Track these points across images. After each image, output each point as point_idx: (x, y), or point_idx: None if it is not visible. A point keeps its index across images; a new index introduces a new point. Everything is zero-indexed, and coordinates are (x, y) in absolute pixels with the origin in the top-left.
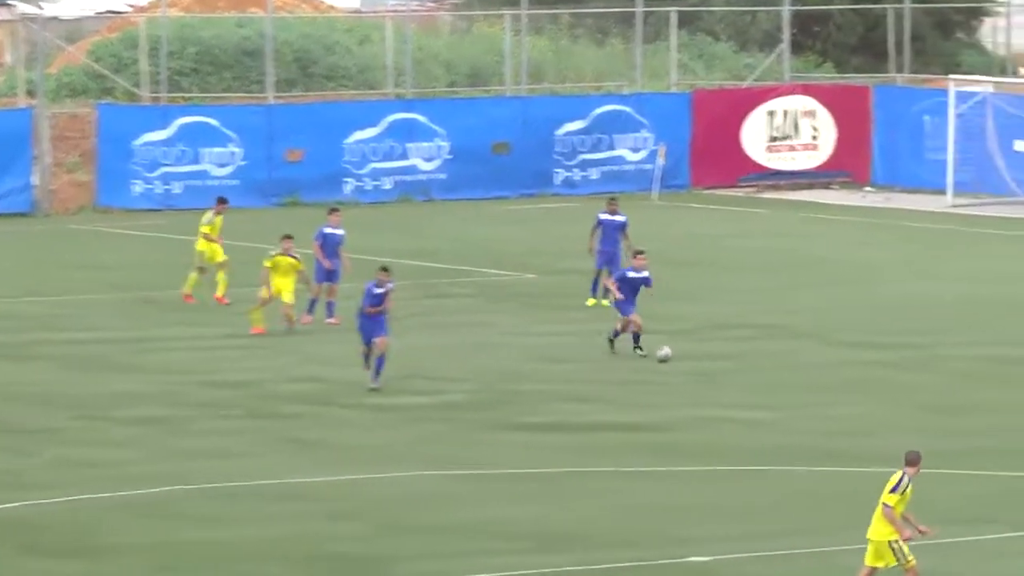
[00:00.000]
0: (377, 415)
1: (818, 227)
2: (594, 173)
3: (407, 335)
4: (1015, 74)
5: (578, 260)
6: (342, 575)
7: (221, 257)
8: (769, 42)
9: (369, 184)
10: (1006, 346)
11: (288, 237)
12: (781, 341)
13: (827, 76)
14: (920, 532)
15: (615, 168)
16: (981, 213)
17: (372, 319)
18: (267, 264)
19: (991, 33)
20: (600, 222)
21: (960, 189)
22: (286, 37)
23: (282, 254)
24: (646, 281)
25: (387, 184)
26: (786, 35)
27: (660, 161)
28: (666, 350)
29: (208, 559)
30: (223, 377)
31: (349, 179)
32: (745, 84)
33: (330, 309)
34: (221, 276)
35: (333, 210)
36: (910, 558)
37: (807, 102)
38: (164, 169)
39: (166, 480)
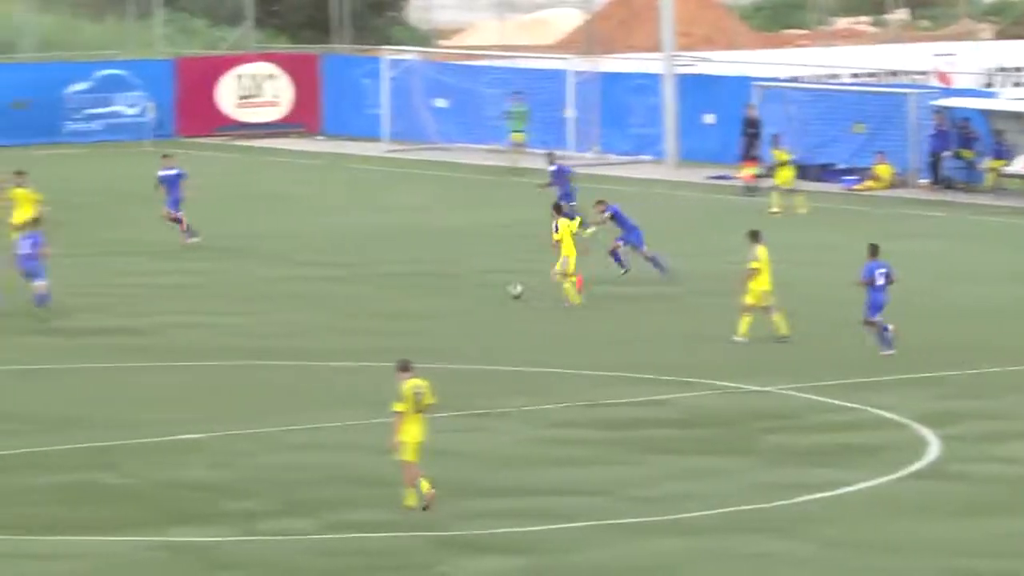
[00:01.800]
0: None
1: (280, 169)
2: (97, 125)
3: None
4: (436, 46)
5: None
6: None
7: None
8: (237, 18)
9: None
10: (419, 263)
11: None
12: (241, 260)
13: (285, 47)
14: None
15: (114, 121)
16: (410, 157)
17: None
18: None
19: (417, 12)
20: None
21: (394, 137)
22: None
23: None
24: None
25: None
26: (251, 12)
27: (151, 114)
28: (519, 288)
29: None
30: None
31: None
32: (218, 53)
33: None
34: None
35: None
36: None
37: (269, 68)
38: None
39: None
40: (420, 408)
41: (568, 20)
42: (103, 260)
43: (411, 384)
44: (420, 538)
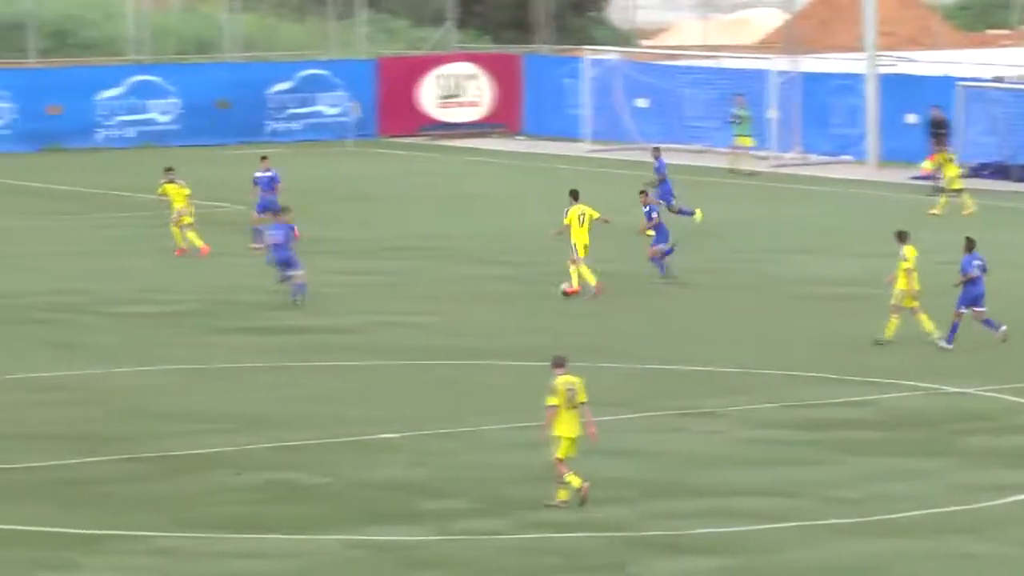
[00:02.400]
0: (121, 322)
1: (480, 169)
2: (298, 125)
3: (141, 257)
4: (638, 45)
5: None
6: (99, 451)
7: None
8: (439, 19)
9: (117, 134)
10: (614, 263)
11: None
12: (438, 261)
13: (487, 47)
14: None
15: (316, 121)
16: (611, 156)
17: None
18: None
19: (618, 12)
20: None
21: (595, 137)
22: (47, 15)
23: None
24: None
25: (131, 133)
26: (452, 13)
27: (355, 114)
28: (564, 285)
29: None
30: None
31: (100, 129)
32: (420, 53)
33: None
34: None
35: (264, 157)
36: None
37: (471, 68)
38: None
39: None
40: (573, 405)
41: (769, 20)
42: (306, 259)
43: (564, 380)
44: (616, 538)
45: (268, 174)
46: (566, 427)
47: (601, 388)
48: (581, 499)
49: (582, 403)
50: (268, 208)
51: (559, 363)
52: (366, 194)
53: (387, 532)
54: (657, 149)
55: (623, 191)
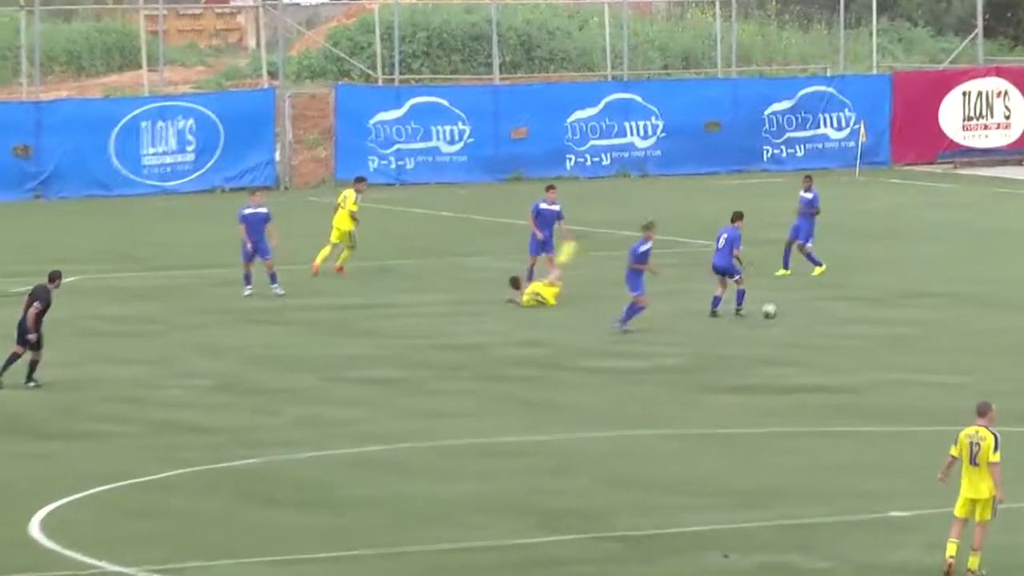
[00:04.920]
0: (597, 377)
1: (1009, 201)
2: (800, 150)
3: (622, 302)
4: None
5: (781, 231)
6: (561, 528)
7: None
8: (963, 27)
9: (589, 160)
10: None
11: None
12: (970, 308)
13: (1019, 59)
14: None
15: (819, 146)
16: None
17: (634, 273)
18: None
19: None
20: (801, 199)
21: None
22: (510, 23)
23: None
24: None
25: (606, 160)
26: (980, 20)
27: (862, 139)
28: (770, 306)
29: (438, 513)
30: (454, 341)
31: (570, 155)
32: (942, 67)
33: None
34: (348, 249)
35: (550, 187)
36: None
37: (1000, 83)
38: (398, 146)
39: (398, 438)
40: (977, 461)
41: None
42: (803, 306)
43: (970, 431)
44: None
45: (261, 211)
46: (968, 485)
47: None
48: (946, 570)
49: (991, 463)
50: (255, 253)
51: (979, 411)
52: (874, 231)
53: None
54: (809, 178)
55: None
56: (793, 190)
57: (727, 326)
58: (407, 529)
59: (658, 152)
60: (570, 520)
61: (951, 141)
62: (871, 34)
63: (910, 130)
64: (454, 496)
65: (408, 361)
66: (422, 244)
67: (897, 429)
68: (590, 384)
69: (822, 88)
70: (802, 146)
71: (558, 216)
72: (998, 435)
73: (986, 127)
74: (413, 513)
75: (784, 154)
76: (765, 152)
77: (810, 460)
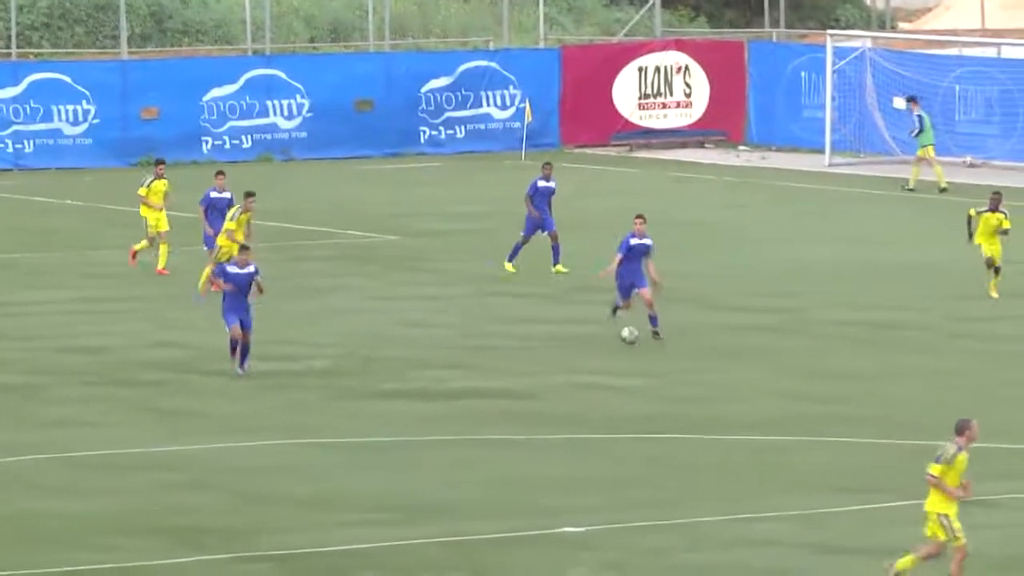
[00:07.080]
0: (239, 383)
1: (692, 187)
2: (460, 131)
3: (270, 300)
4: (895, 28)
5: (442, 221)
6: (202, 547)
7: (165, 227)
8: None
9: (228, 143)
10: (877, 310)
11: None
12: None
13: (700, 31)
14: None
15: (481, 126)
16: (861, 173)
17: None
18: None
19: None
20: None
21: (838, 148)
22: None
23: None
24: (647, 248)
25: (246, 143)
26: None
27: (528, 119)
28: (631, 332)
29: (68, 532)
30: (81, 343)
31: (207, 137)
32: (615, 40)
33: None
34: (164, 248)
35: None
36: (959, 536)
37: (680, 58)
38: (15, 127)
39: (21, 450)
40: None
41: None
42: (472, 303)
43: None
44: None
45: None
46: (935, 499)
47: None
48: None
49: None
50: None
51: (958, 428)
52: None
53: None
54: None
55: (880, 216)
56: (451, 175)
57: (381, 324)
58: (32, 550)
59: (304, 134)
60: (212, 539)
61: (627, 121)
62: (538, 4)
63: (581, 109)
64: (84, 513)
65: (31, 365)
66: (45, 236)
67: (572, 436)
68: (230, 389)
69: (484, 63)
70: (463, 127)
71: (229, 204)
72: (952, 451)
73: (664, 106)
74: (39, 532)
75: (443, 135)
76: (422, 134)
77: (477, 471)
